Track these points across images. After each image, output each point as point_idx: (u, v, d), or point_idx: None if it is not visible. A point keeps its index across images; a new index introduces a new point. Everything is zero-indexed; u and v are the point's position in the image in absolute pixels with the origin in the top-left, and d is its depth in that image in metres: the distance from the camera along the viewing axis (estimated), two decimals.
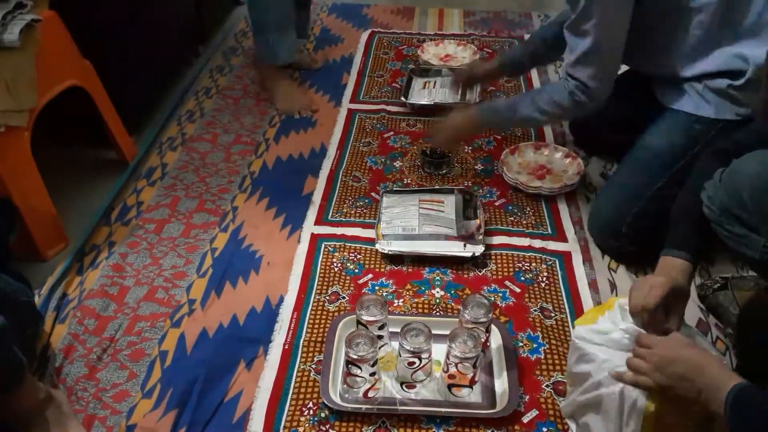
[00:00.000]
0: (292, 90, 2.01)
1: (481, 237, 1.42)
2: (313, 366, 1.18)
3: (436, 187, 1.62)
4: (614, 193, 1.45)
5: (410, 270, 1.40)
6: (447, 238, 1.42)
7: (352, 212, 1.56)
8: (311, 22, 2.39)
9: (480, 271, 1.39)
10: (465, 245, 1.40)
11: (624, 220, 1.38)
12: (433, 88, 2.01)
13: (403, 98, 1.95)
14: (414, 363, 1.07)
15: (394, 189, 1.61)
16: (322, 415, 1.09)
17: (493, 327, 1.19)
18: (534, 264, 1.41)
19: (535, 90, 1.57)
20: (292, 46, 1.98)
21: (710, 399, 0.86)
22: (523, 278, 1.37)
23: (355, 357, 1.03)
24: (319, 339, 1.23)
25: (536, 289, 1.34)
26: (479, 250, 1.39)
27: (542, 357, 1.19)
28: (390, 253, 1.40)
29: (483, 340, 1.12)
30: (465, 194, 1.55)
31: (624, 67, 1.53)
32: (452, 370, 1.06)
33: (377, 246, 1.41)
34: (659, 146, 1.39)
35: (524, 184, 1.59)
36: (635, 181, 1.40)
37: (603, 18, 1.29)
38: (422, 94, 1.99)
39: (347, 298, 1.32)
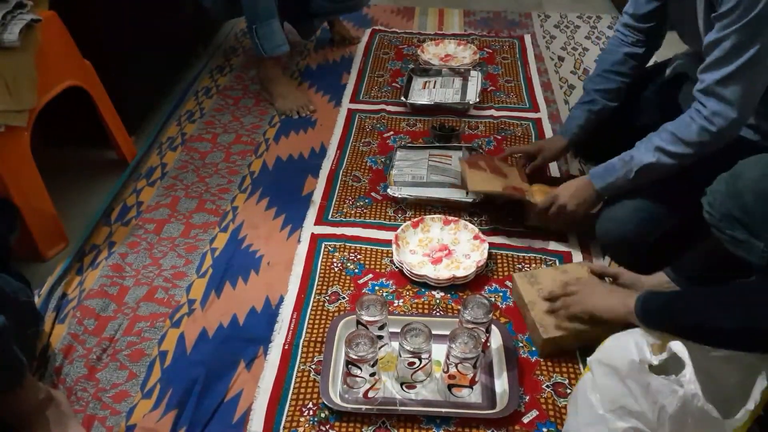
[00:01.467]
0: (290, 90, 2.01)
1: None
2: (313, 366, 1.18)
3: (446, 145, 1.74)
4: (636, 211, 1.32)
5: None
6: (452, 186, 1.56)
7: (352, 212, 1.55)
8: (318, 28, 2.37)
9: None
10: (467, 192, 1.52)
11: (648, 240, 1.32)
12: (433, 88, 2.01)
13: (403, 98, 1.95)
14: (414, 363, 1.07)
15: (408, 145, 1.75)
16: (322, 415, 1.09)
17: (493, 327, 1.19)
18: (534, 265, 1.40)
19: (651, 134, 1.26)
20: (279, 38, 1.91)
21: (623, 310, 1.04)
22: None
23: (355, 357, 1.03)
24: (319, 339, 1.22)
25: None
26: (479, 197, 1.52)
27: (542, 359, 1.19)
28: (400, 197, 1.55)
29: (483, 340, 1.12)
30: (471, 151, 1.67)
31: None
32: (452, 370, 1.06)
33: (389, 191, 1.56)
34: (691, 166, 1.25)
35: (411, 269, 1.34)
36: (661, 201, 1.31)
37: None
38: (422, 93, 1.99)
39: (347, 298, 1.32)
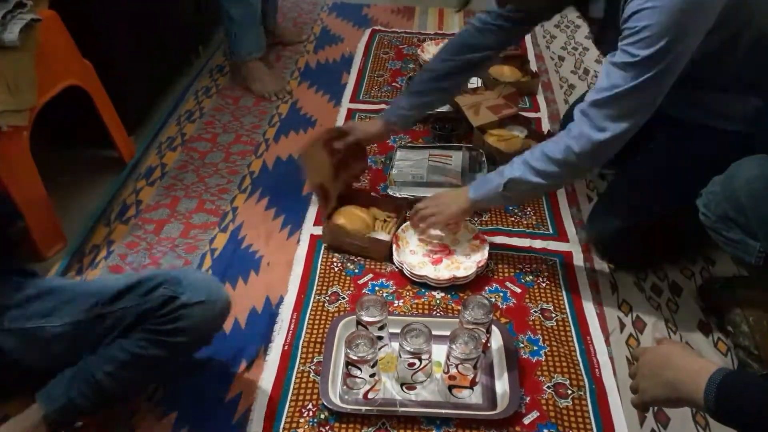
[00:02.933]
0: (264, 73, 2.06)
1: None
2: (313, 367, 1.17)
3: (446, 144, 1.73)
4: (627, 209, 1.33)
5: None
6: (452, 186, 1.53)
7: None
8: (278, 10, 2.40)
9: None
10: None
11: (637, 237, 1.32)
12: None
13: None
14: (414, 364, 1.07)
15: (408, 145, 1.74)
16: (322, 416, 1.09)
17: (493, 328, 1.18)
18: (535, 265, 1.40)
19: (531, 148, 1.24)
20: (257, 41, 2.03)
21: (689, 392, 0.78)
22: (523, 280, 1.36)
23: (355, 358, 1.03)
24: (319, 340, 1.22)
25: (536, 290, 1.34)
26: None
27: (543, 359, 1.19)
28: (399, 197, 1.52)
29: (483, 341, 1.12)
30: (472, 151, 1.67)
31: None
32: (453, 371, 1.06)
33: (389, 191, 1.55)
34: (681, 164, 1.27)
35: (411, 270, 1.34)
36: (652, 200, 1.31)
37: (677, 56, 1.03)
38: None
39: (347, 298, 1.32)
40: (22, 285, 1.05)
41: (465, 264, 1.37)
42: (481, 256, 1.37)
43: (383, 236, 1.42)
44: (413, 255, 1.40)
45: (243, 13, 1.94)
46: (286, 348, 1.21)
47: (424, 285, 1.34)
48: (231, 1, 1.92)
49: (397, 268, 1.38)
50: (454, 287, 1.33)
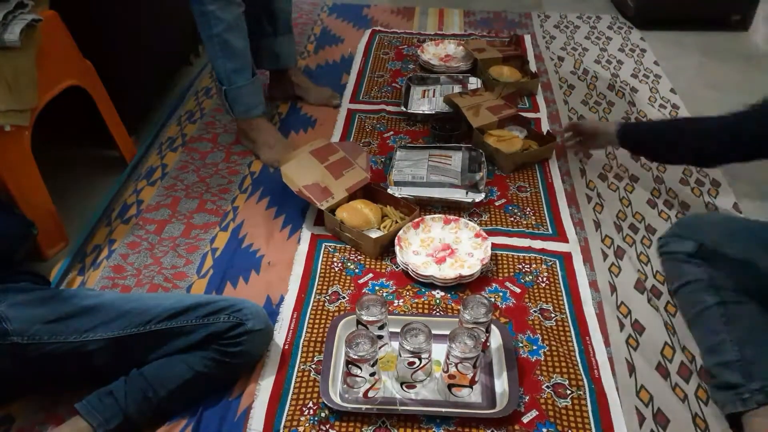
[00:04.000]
0: (277, 139, 1.76)
1: (482, 187, 1.56)
2: (313, 366, 1.18)
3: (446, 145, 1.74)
4: None
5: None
6: (452, 186, 1.56)
7: None
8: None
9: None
10: (467, 192, 1.54)
11: None
12: (433, 96, 2.00)
13: (403, 108, 1.93)
14: (414, 363, 1.07)
15: (408, 145, 1.75)
16: (322, 415, 1.09)
17: (493, 327, 1.19)
18: (534, 265, 1.41)
19: None
20: (259, 95, 1.74)
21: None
22: (522, 280, 1.37)
23: (355, 357, 1.03)
24: (319, 339, 1.23)
25: (536, 290, 1.34)
26: (479, 197, 1.53)
27: (542, 359, 1.19)
28: (400, 197, 1.52)
29: (483, 340, 1.12)
30: (471, 151, 1.67)
31: None
32: (452, 370, 1.06)
33: (389, 191, 1.54)
34: None
35: (415, 270, 1.34)
36: None
37: None
38: (422, 102, 1.98)
39: (347, 297, 1.32)
40: (62, 297, 1.09)
41: (469, 262, 1.38)
42: (484, 253, 1.38)
43: (377, 233, 1.42)
44: (416, 255, 1.41)
45: (240, 65, 1.64)
46: (286, 347, 1.22)
47: (424, 284, 1.35)
48: (222, 58, 1.61)
49: (400, 268, 1.39)
50: (454, 287, 1.34)
